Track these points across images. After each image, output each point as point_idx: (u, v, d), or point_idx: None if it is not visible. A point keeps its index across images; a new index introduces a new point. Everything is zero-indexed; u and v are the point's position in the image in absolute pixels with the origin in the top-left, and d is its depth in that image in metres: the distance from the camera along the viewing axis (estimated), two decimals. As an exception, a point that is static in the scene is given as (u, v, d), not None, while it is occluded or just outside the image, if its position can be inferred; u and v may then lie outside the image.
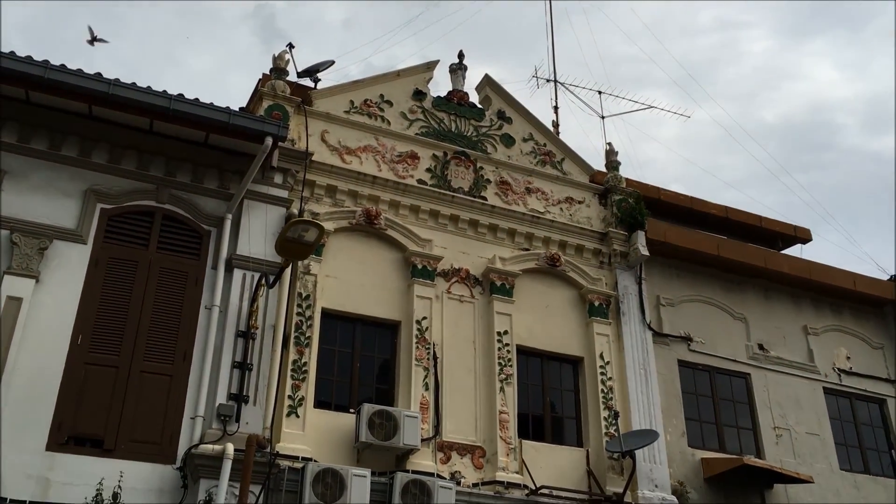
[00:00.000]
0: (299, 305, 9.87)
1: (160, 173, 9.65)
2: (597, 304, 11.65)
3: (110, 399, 8.53)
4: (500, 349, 10.70)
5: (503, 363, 10.62)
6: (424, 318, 10.47)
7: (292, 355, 9.59)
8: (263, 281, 9.14)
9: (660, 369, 11.61)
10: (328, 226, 10.24)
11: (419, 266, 10.77)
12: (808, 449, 12.17)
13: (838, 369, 13.05)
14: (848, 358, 13.27)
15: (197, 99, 9.19)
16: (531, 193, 12.03)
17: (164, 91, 9.06)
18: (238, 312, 9.23)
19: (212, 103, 9.23)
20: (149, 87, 9.03)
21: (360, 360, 10.13)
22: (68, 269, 8.79)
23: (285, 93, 10.80)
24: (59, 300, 8.64)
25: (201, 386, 8.83)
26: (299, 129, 10.69)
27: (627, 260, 12.07)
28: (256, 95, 10.83)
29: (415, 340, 10.29)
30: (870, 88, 40.06)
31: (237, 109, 9.43)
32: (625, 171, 13.02)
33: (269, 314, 9.38)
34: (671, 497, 10.62)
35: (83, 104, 8.98)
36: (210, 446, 8.45)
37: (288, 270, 9.54)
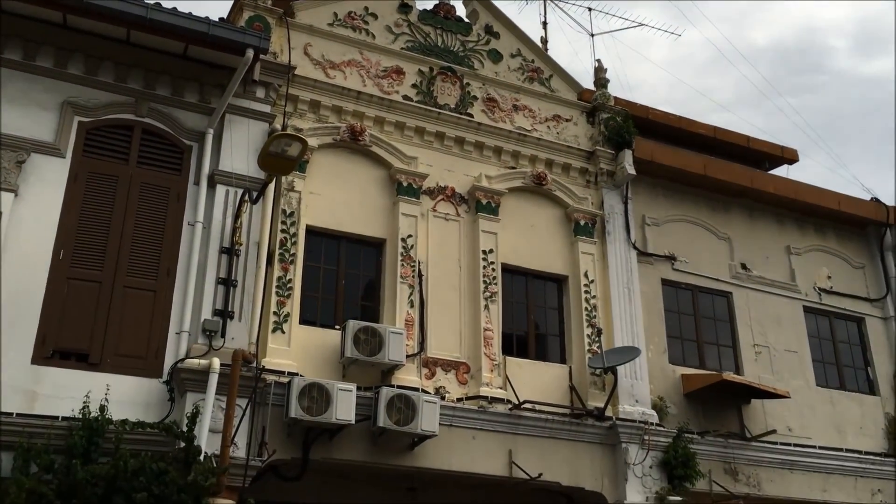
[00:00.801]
0: (283, 222, 9.84)
1: (139, 86, 9.51)
2: (582, 223, 11.69)
3: (94, 314, 8.54)
4: (485, 267, 10.77)
5: (488, 281, 10.70)
6: (410, 236, 10.49)
7: (277, 272, 9.60)
8: (247, 197, 9.07)
9: (643, 288, 11.69)
10: (312, 142, 10.15)
11: (404, 184, 10.75)
12: (787, 366, 12.40)
13: (819, 288, 13.22)
14: (829, 277, 13.42)
15: (175, 8, 9.04)
16: (518, 111, 11.97)
17: (141, 0, 8.90)
18: (221, 229, 9.20)
19: (190, 13, 9.09)
20: (124, -6, 8.77)
21: (346, 278, 10.16)
22: (47, 183, 8.69)
23: (266, 3, 10.60)
24: (39, 215, 8.57)
25: (186, 302, 8.82)
26: (281, 41, 10.52)
27: (614, 179, 12.07)
28: (237, 6, 10.61)
29: (400, 258, 10.31)
30: (861, 9, 39.52)
31: (217, 20, 9.26)
32: (613, 91, 12.85)
33: (253, 231, 9.35)
34: (651, 411, 10.86)
35: (57, 13, 8.82)
36: (196, 361, 8.49)
37: (271, 187, 9.48)
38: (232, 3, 10.73)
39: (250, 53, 9.22)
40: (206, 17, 9.13)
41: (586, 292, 11.27)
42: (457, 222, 10.97)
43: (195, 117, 9.66)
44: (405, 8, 11.79)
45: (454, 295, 10.50)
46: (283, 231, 9.83)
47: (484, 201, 11.16)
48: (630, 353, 10.56)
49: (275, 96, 10.19)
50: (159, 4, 8.97)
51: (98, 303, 8.61)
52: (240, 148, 9.63)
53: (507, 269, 11.05)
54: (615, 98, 12.79)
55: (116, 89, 9.41)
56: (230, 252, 9.16)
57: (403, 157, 10.90)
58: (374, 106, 10.95)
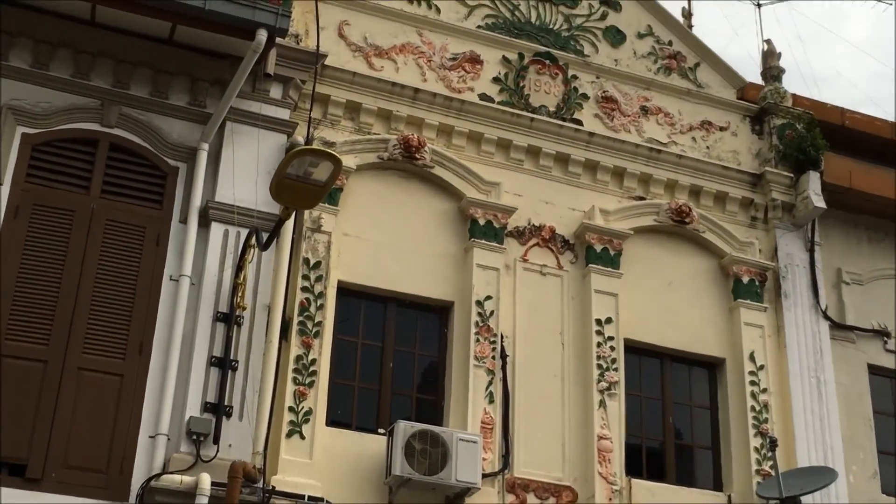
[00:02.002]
0: (306, 277, 9.91)
1: (106, 83, 9.72)
2: (746, 280, 11.50)
3: (35, 408, 8.60)
4: (599, 345, 10.70)
5: (605, 366, 10.62)
6: (489, 297, 10.47)
7: (295, 349, 9.63)
8: (254, 240, 9.09)
9: (840, 378, 11.56)
10: (348, 161, 10.20)
11: (481, 221, 10.74)
12: None
13: None
14: None
15: None
16: (649, 115, 11.94)
17: (111, -38, 9.04)
18: (217, 286, 9.27)
19: None
20: (89, -44, 8.99)
21: (394, 358, 10.21)
22: (-26, 219, 8.85)
23: None
24: (-38, 265, 8.70)
25: (165, 391, 8.88)
26: (307, 18, 10.64)
27: (793, 215, 11.94)
28: None
29: (474, 330, 10.30)
30: None
31: None
32: (791, 86, 12.87)
33: (262, 289, 9.41)
34: (853, 566, 10.50)
35: (-5, -19, 9.06)
36: (178, 477, 8.47)
37: (289, 225, 9.48)
38: None
39: (262, 36, 9.29)
40: None
41: (753, 384, 11.09)
42: (558, 278, 10.94)
43: (184, 127, 9.81)
44: None
45: (554, 385, 10.47)
46: (304, 290, 9.84)
47: (598, 248, 11.07)
48: (822, 476, 10.30)
49: (296, 97, 10.31)
50: None
51: (41, 391, 8.66)
52: (245, 170, 9.70)
53: (634, 349, 11.01)
54: (794, 96, 12.67)
55: (76, 88, 9.59)
56: (229, 319, 9.16)
57: (480, 184, 10.92)
58: (439, 109, 11.02)
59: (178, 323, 9.12)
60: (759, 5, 15.21)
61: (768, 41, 13.09)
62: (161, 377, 8.96)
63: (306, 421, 9.46)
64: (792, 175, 12.03)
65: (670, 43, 12.48)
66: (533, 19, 11.97)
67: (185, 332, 9.10)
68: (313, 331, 9.79)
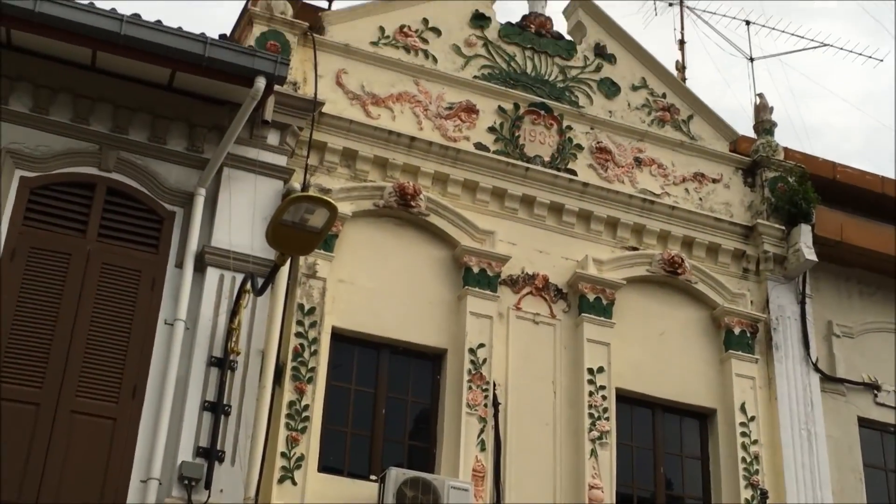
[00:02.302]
0: (300, 323, 9.98)
1: (105, 128, 9.77)
2: (737, 331, 11.58)
3: (27, 450, 8.59)
4: (591, 394, 10.75)
5: (596, 415, 10.66)
6: (481, 345, 10.53)
7: (289, 395, 9.68)
8: (249, 286, 9.13)
9: (830, 431, 11.56)
10: (344, 208, 10.23)
11: (475, 269, 10.83)
12: None
13: None
14: None
15: (159, 21, 9.26)
16: (643, 166, 12.06)
17: (114, 10, 9.09)
18: (212, 331, 9.30)
19: (180, 28, 9.33)
20: (91, 2, 9.14)
21: (387, 406, 10.26)
22: (-28, 261, 8.89)
23: (286, 15, 10.93)
24: (-42, 306, 8.74)
25: (157, 435, 8.86)
26: (305, 67, 10.78)
27: (784, 268, 12.05)
28: (245, 18, 10.92)
29: (467, 378, 10.34)
30: None
31: (216, 37, 9.53)
32: (783, 139, 12.98)
33: (257, 335, 9.47)
34: None
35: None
36: (169, 523, 8.42)
37: (284, 271, 9.58)
38: (238, 14, 11.23)
39: (261, 83, 9.35)
40: (202, 34, 9.34)
41: (744, 435, 11.11)
42: (551, 327, 10.98)
43: (181, 172, 9.86)
44: (481, 20, 12.00)
45: (545, 434, 10.48)
46: (298, 335, 9.91)
47: (591, 297, 11.15)
48: (812, 530, 10.21)
49: (294, 143, 10.40)
50: (138, 16, 9.17)
51: (34, 434, 8.64)
52: (242, 216, 9.74)
53: (625, 398, 11.02)
54: (785, 149, 12.76)
55: (74, 132, 9.64)
56: (223, 364, 9.18)
57: (475, 232, 11.00)
58: (435, 158, 11.13)
59: (171, 367, 9.10)
60: (751, 59, 15.34)
61: (761, 95, 13.18)
62: (154, 421, 8.92)
63: (298, 467, 9.46)
64: (784, 228, 12.12)
65: (664, 95, 12.63)
66: (528, 70, 12.08)
67: (179, 376, 9.09)
68: (307, 376, 9.83)
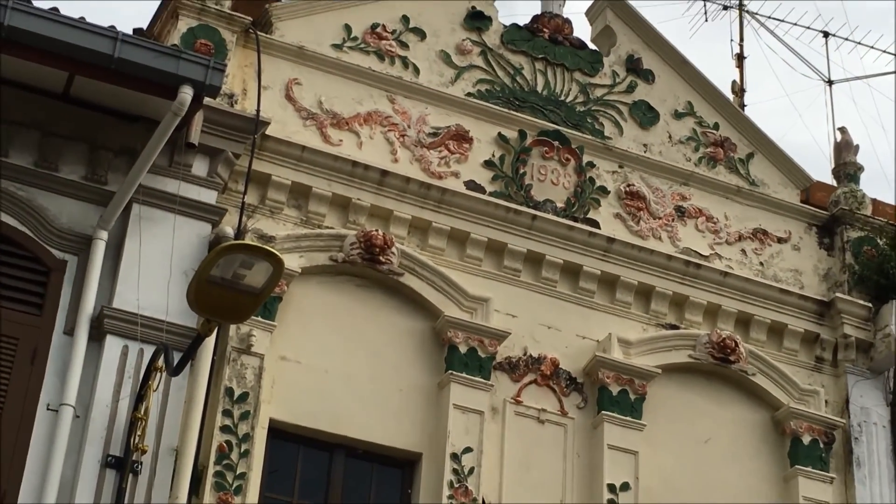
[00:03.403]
0: (228, 413, 9.26)
1: (-24, 151, 9.68)
2: (807, 440, 10.91)
3: None
4: (614, 518, 10.75)
5: (619, 546, 10.63)
6: (468, 450, 9.79)
7: (211, 510, 9.46)
8: (161, 361, 8.48)
9: (926, 575, 11.50)
10: (291, 262, 9.53)
11: (463, 349, 10.14)
12: None
13: None
14: None
15: (55, 9, 8.63)
16: (686, 218, 11.40)
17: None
18: (109, 420, 8.58)
19: (82, 18, 8.68)
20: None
21: (343, 526, 10.10)
22: None
23: (222, 6, 10.39)
24: None
25: (35, 561, 8.65)
26: (245, 74, 10.27)
27: (871, 357, 11.31)
28: (168, 9, 10.42)
29: (447, 492, 9.60)
30: None
31: (129, 32, 8.92)
32: (870, 188, 12.41)
33: (169, 426, 8.77)
34: None
35: None
36: None
37: (210, 344, 8.89)
38: (159, 4, 10.68)
39: (187, 94, 8.68)
40: (111, 27, 8.71)
41: (815, 577, 11.20)
42: (560, 427, 10.30)
43: (76, 209, 9.23)
44: (479, 20, 11.47)
45: (551, 569, 10.32)
46: (225, 430, 9.20)
47: (615, 390, 10.43)
48: None
49: (227, 175, 9.83)
50: (27, 2, 8.57)
51: None
52: (155, 269, 9.05)
53: (659, 525, 10.97)
54: (874, 202, 12.27)
55: (-66, 156, 9.53)
56: (123, 465, 8.44)
57: (463, 299, 10.38)
58: (413, 199, 10.48)
59: (54, 467, 8.22)
60: (829, 82, 14.58)
61: (843, 129, 12.48)
62: (31, 541, 8.81)
63: None
64: (870, 305, 11.45)
65: (716, 126, 11.94)
66: (539, 88, 11.39)
67: (64, 480, 8.25)
68: (234, 485, 8.99)
